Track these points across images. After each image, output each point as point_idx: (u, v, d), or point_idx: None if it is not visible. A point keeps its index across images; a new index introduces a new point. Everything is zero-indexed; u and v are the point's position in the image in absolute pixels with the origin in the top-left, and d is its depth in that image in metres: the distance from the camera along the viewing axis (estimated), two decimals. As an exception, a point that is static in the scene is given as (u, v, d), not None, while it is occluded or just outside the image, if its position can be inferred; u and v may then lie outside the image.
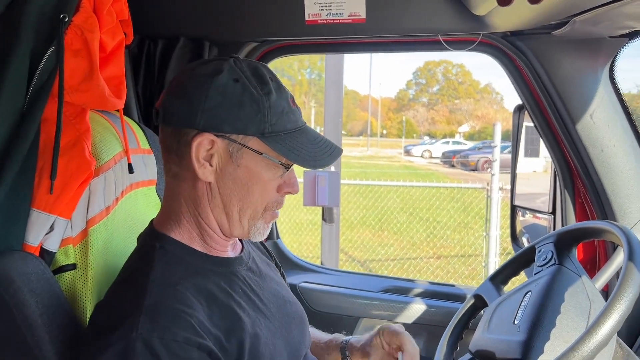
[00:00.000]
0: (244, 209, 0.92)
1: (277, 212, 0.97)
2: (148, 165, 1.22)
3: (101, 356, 0.76)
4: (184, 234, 0.92)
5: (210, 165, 0.88)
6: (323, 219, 3.19)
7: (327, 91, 3.32)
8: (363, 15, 1.49)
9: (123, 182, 1.07)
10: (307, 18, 1.51)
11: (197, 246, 0.93)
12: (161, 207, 0.97)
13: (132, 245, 0.97)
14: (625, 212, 1.43)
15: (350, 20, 1.50)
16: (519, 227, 1.89)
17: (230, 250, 1.00)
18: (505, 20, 1.37)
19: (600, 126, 1.42)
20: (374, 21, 1.49)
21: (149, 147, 1.25)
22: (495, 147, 5.48)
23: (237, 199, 0.91)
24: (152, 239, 0.92)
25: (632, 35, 1.35)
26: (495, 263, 5.55)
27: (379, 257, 6.52)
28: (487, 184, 5.65)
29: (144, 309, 0.79)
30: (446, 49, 1.54)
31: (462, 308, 1.32)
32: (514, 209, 1.88)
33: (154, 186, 1.25)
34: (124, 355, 0.75)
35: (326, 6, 1.48)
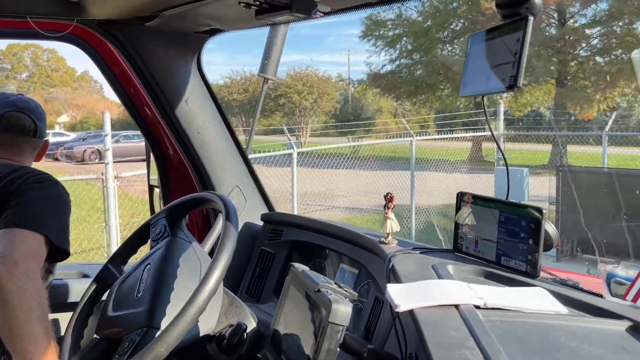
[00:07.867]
0: None
1: None
2: None
3: None
4: None
5: None
6: None
7: None
8: None
9: None
10: None
11: None
12: None
13: None
14: (221, 184, 1.69)
15: None
16: (157, 204, 1.99)
17: None
18: (99, 8, 1.40)
19: (195, 111, 1.62)
20: None
21: None
22: (106, 135, 5.42)
23: None
24: None
25: (212, 32, 1.57)
26: (118, 252, 5.51)
27: None
28: (102, 174, 5.53)
29: None
30: (38, 35, 1.45)
31: (84, 296, 1.31)
32: (151, 189, 1.99)
33: None
34: None
35: None
